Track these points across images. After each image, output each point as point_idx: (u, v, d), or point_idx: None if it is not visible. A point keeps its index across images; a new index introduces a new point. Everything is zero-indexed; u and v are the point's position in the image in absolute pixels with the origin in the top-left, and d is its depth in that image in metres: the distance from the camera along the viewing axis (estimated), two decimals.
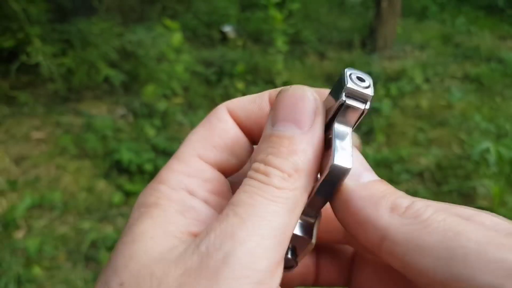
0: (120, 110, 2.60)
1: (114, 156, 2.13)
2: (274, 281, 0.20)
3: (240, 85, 2.75)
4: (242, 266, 0.19)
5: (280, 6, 3.03)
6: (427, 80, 3.08)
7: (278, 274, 0.21)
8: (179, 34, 2.51)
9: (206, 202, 0.24)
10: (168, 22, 2.62)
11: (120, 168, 2.12)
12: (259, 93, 0.28)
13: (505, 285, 0.17)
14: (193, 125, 2.42)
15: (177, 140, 2.31)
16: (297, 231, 0.25)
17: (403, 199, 0.21)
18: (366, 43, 3.51)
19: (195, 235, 0.21)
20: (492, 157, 2.07)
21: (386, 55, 3.46)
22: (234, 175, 0.27)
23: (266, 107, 0.27)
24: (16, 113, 2.58)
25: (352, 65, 3.07)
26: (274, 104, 0.25)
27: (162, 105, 2.43)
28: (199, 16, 3.90)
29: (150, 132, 2.28)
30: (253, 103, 0.27)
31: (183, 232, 0.22)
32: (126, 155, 2.10)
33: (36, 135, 2.42)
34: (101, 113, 2.57)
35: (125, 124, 2.47)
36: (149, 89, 2.43)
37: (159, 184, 0.24)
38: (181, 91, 2.67)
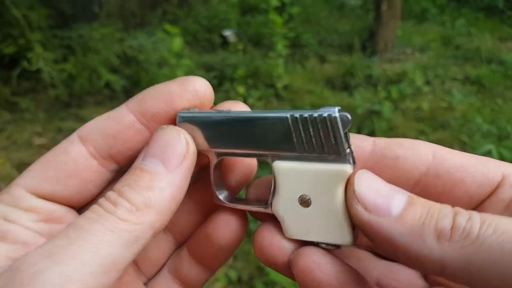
0: None
1: None
2: None
3: (241, 89, 2.75)
4: (50, 286, 0.19)
5: (280, 10, 3.03)
6: (427, 82, 3.08)
7: None
8: (179, 39, 2.51)
9: (28, 228, 0.24)
10: (169, 27, 2.62)
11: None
12: (116, 108, 0.29)
13: None
14: None
15: None
16: None
17: (444, 221, 0.20)
18: (366, 46, 3.51)
19: (14, 260, 0.21)
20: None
21: (386, 57, 3.46)
22: None
23: (124, 117, 0.28)
24: (17, 119, 2.58)
25: (353, 68, 3.07)
26: (150, 140, 0.26)
27: None
28: (200, 20, 3.91)
29: None
30: (108, 120, 0.28)
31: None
32: None
33: (38, 141, 2.42)
34: None
35: None
36: None
37: None
38: None
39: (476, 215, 0.20)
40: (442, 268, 0.20)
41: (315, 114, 0.26)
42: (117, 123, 0.28)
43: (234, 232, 0.30)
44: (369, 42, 3.52)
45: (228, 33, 3.61)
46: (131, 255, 0.22)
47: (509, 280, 0.18)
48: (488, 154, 2.10)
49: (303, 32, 3.70)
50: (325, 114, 0.26)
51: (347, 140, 0.26)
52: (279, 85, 2.89)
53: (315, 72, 3.24)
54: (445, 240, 0.20)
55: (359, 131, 2.47)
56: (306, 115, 0.26)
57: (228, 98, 2.87)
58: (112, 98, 2.77)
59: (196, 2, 4.35)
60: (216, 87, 2.89)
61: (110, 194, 0.23)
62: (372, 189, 0.23)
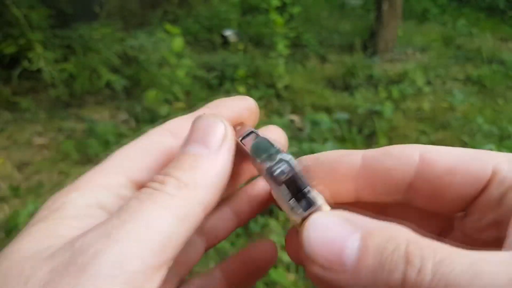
0: (122, 115, 2.61)
1: None
2: (149, 285, 0.20)
3: (241, 89, 2.76)
4: (111, 264, 0.19)
5: (281, 10, 3.04)
6: (428, 82, 3.08)
7: (156, 279, 0.21)
8: (180, 38, 2.52)
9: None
10: (169, 27, 2.63)
11: None
12: (195, 111, 0.30)
13: None
14: None
15: None
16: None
17: (395, 274, 0.19)
18: (367, 46, 3.52)
19: None
20: None
21: (387, 58, 3.46)
22: None
23: None
24: (18, 119, 2.58)
25: (354, 68, 3.07)
26: (189, 129, 0.26)
27: (164, 110, 2.44)
28: (200, 20, 3.92)
29: None
30: (191, 119, 0.29)
31: (71, 236, 0.21)
32: None
33: (38, 141, 2.43)
34: (103, 118, 2.58)
35: (127, 129, 2.48)
36: (151, 94, 2.43)
37: (72, 190, 0.24)
38: (183, 96, 2.68)
39: (428, 264, 0.18)
40: None
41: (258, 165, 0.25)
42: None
43: (273, 259, 0.32)
44: (370, 42, 3.52)
45: (228, 33, 3.62)
46: (185, 231, 0.22)
47: None
48: None
49: (303, 32, 3.71)
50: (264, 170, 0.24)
51: (296, 187, 0.24)
52: (280, 85, 2.89)
53: (316, 72, 3.24)
54: None
55: (359, 132, 2.48)
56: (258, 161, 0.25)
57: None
58: (113, 98, 2.78)
59: (196, 2, 4.36)
60: (216, 87, 2.90)
61: (157, 176, 0.23)
62: (323, 242, 0.21)
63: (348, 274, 0.19)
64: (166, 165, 0.26)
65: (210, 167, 0.24)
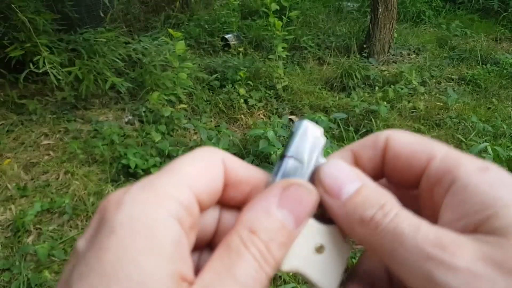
0: (127, 117, 2.66)
1: (121, 161, 2.17)
2: None
3: (242, 90, 2.81)
4: None
5: (279, 13, 3.09)
6: (423, 82, 3.12)
7: None
8: (182, 42, 2.56)
9: (187, 236, 0.25)
10: (172, 31, 2.68)
11: (127, 172, 2.16)
12: (262, 171, 0.30)
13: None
14: (197, 130, 2.47)
15: (182, 144, 2.36)
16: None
17: (369, 210, 0.25)
18: (363, 47, 3.57)
19: (183, 279, 0.23)
20: (489, 157, 2.09)
21: (383, 59, 3.51)
22: None
23: (257, 182, 0.29)
24: (25, 121, 2.62)
25: (350, 69, 3.12)
26: (289, 183, 0.27)
27: (167, 111, 2.47)
28: (202, 24, 3.96)
29: (156, 137, 2.33)
30: (245, 168, 0.29)
31: (174, 271, 0.22)
32: (133, 160, 2.14)
33: (45, 142, 2.47)
34: (108, 119, 2.63)
35: (132, 130, 2.52)
36: (154, 96, 2.48)
37: (151, 200, 0.23)
38: (185, 97, 2.73)
39: (391, 213, 0.24)
40: (365, 246, 0.25)
41: None
42: (253, 173, 0.30)
43: None
44: (366, 44, 3.57)
45: (229, 36, 3.67)
46: None
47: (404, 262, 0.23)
48: (483, 152, 2.15)
49: (302, 35, 3.76)
50: None
51: None
52: (279, 86, 2.94)
53: (314, 74, 3.29)
54: (365, 226, 0.25)
55: (356, 131, 2.53)
56: None
57: (229, 99, 2.92)
58: (117, 100, 2.83)
59: (198, 7, 4.42)
60: (218, 89, 2.95)
61: (262, 247, 0.24)
62: (332, 175, 0.27)
63: (338, 203, 0.26)
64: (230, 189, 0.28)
65: (289, 245, 0.26)
